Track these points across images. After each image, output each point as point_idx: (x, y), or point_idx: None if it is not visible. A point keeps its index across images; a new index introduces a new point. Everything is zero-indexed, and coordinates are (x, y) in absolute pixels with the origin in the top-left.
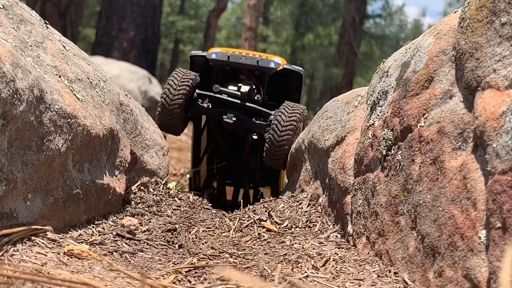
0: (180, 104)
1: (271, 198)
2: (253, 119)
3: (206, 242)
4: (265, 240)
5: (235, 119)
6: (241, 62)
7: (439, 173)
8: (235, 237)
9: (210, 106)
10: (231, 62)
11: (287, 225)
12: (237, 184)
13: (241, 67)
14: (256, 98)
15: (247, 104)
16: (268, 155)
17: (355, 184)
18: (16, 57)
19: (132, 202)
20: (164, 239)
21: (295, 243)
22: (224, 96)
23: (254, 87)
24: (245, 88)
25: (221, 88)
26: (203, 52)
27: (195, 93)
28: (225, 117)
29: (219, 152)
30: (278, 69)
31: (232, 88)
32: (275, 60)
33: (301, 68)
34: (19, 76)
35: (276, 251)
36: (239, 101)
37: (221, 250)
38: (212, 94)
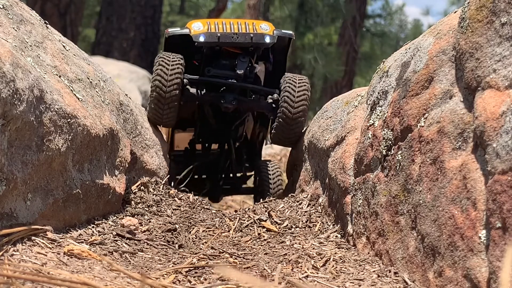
0: (176, 95)
1: (271, 198)
2: (253, 98)
3: (206, 242)
4: (265, 240)
5: (234, 102)
6: (233, 41)
7: (439, 173)
8: (235, 237)
9: (203, 91)
10: (222, 43)
11: (287, 225)
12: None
13: (234, 46)
14: (252, 76)
15: (246, 84)
16: (282, 131)
17: (355, 184)
18: (16, 57)
19: (132, 202)
20: (164, 239)
21: (295, 243)
22: (221, 80)
23: (250, 65)
24: (241, 69)
25: (214, 70)
26: (183, 29)
27: (184, 79)
28: (223, 101)
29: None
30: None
31: (226, 70)
32: (262, 26)
33: (291, 32)
34: (19, 76)
35: (276, 251)
36: (236, 82)
37: (221, 250)
38: (205, 78)
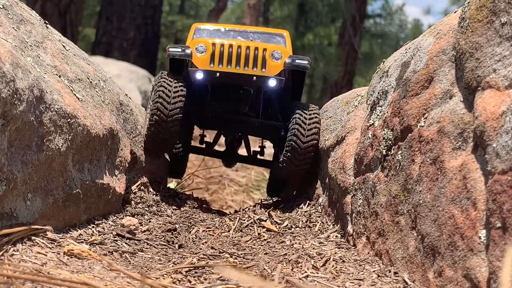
0: (178, 120)
1: (271, 198)
2: (257, 126)
3: (206, 242)
4: (265, 240)
5: (238, 134)
6: (235, 82)
7: (439, 173)
8: (235, 237)
9: (206, 118)
10: (222, 81)
11: (287, 225)
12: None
13: (235, 83)
14: (259, 107)
15: (250, 119)
16: (290, 164)
17: (355, 184)
18: (16, 57)
19: (132, 202)
20: (164, 239)
21: (295, 243)
22: (225, 115)
23: (255, 97)
24: (244, 107)
25: (218, 104)
26: (185, 50)
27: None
28: (225, 133)
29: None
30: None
31: (230, 103)
32: (274, 55)
33: (305, 62)
34: (19, 76)
35: (276, 251)
36: (240, 115)
37: (221, 250)
38: (208, 113)
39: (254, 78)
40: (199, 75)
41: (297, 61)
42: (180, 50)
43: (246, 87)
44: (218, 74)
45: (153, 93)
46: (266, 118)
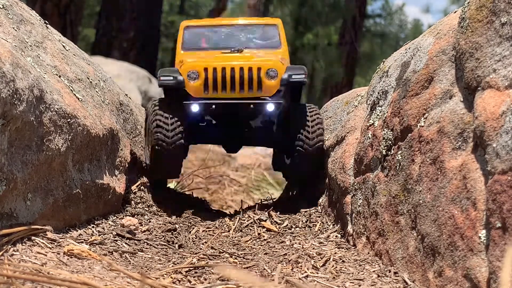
0: (181, 145)
1: (271, 198)
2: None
3: (206, 242)
4: (265, 240)
5: (239, 148)
6: (231, 111)
7: (439, 173)
8: (235, 237)
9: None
10: (218, 112)
11: (287, 225)
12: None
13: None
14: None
15: (250, 139)
16: (301, 167)
17: (355, 184)
18: (16, 57)
19: (132, 202)
20: (164, 239)
21: (295, 243)
22: (225, 137)
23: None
24: (241, 131)
25: (216, 129)
26: (176, 77)
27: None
28: (227, 148)
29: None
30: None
31: (229, 128)
32: (269, 73)
33: (302, 76)
34: (19, 76)
35: (276, 251)
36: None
37: (221, 250)
38: (206, 138)
39: (251, 106)
40: (195, 108)
41: (293, 76)
42: (171, 78)
43: (244, 115)
44: (214, 106)
45: (149, 123)
46: (262, 125)
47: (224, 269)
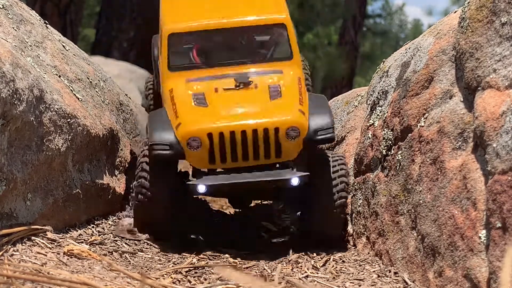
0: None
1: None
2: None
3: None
4: (265, 240)
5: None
6: (247, 187)
7: (439, 173)
8: (235, 237)
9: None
10: (232, 192)
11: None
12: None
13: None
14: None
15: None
16: (322, 225)
17: (355, 184)
18: (16, 57)
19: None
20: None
21: (295, 243)
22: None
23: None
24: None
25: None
26: (175, 151)
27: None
28: (234, 205)
29: None
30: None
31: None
32: (290, 133)
33: (330, 135)
34: (19, 76)
35: (276, 251)
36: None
37: (221, 250)
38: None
39: (272, 183)
40: (201, 189)
41: (319, 133)
42: (167, 148)
43: (261, 193)
44: (227, 184)
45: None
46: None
47: (224, 269)
